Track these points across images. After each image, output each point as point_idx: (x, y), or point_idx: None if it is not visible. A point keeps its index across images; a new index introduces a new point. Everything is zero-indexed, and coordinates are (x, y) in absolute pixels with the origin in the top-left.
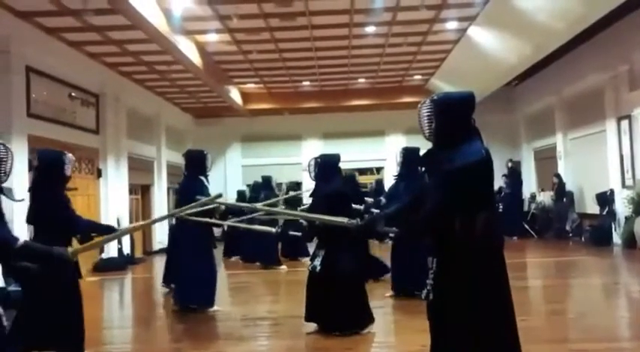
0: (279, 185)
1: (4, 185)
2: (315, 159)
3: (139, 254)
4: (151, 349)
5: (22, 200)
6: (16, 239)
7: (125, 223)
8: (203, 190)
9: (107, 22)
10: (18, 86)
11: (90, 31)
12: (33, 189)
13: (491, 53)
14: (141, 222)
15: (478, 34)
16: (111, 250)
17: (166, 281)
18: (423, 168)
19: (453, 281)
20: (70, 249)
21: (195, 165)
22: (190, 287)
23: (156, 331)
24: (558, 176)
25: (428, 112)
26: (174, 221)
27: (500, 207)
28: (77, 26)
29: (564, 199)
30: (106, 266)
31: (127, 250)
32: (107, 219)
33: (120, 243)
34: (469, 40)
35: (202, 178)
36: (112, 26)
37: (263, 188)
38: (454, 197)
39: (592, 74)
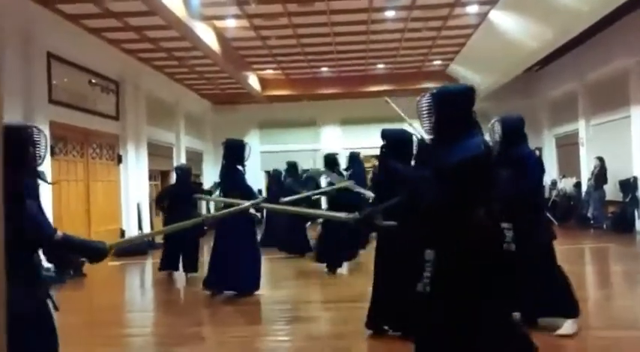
0: (306, 171)
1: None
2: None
3: (159, 239)
4: (172, 332)
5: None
6: (55, 230)
7: (145, 209)
8: (241, 180)
9: (126, 8)
10: (39, 72)
11: (109, 17)
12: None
13: (512, 38)
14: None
15: (499, 18)
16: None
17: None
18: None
19: (452, 275)
20: (107, 243)
21: (234, 155)
22: (241, 273)
23: (178, 315)
24: (601, 160)
25: (427, 106)
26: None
27: None
28: (96, 12)
29: (604, 185)
30: (127, 251)
31: None
32: (127, 204)
33: (140, 228)
34: (490, 25)
35: (240, 168)
36: (131, 12)
37: (288, 175)
38: (453, 191)
39: (617, 59)
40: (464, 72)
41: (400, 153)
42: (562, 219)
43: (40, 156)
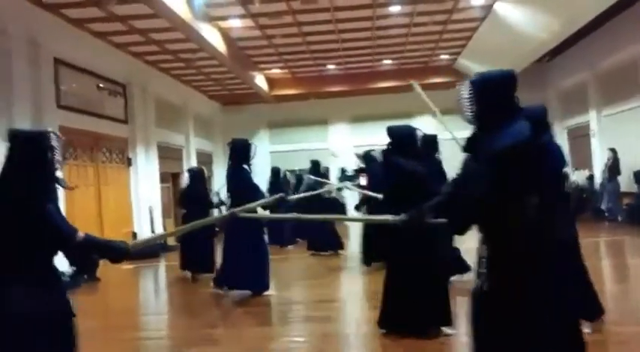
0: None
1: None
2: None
3: (171, 241)
4: (186, 335)
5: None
6: (76, 231)
7: (157, 211)
8: (248, 179)
9: (130, 12)
10: (47, 78)
11: (114, 20)
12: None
13: (519, 29)
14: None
15: (505, 9)
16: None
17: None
18: (468, 153)
19: (507, 272)
20: (130, 243)
21: (240, 155)
22: (247, 272)
23: (192, 317)
24: (613, 151)
25: (468, 94)
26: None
27: None
28: (101, 16)
29: (618, 177)
30: (140, 254)
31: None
32: (139, 207)
33: (153, 230)
34: (496, 17)
35: (246, 167)
36: (136, 15)
37: (311, 173)
38: (498, 181)
39: (627, 47)
40: (472, 66)
41: (405, 149)
42: (575, 212)
43: (58, 161)
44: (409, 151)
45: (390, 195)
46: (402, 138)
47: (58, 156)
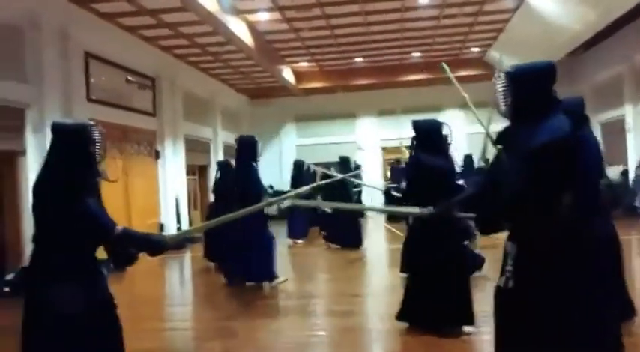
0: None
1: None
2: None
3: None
4: (207, 326)
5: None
6: (114, 224)
7: (183, 203)
8: (255, 176)
9: (159, 5)
10: (77, 71)
11: (143, 14)
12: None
13: (552, 21)
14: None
15: (538, 0)
16: (170, 230)
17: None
18: (501, 147)
19: (536, 269)
20: (167, 236)
21: (247, 151)
22: (250, 264)
23: (213, 308)
24: None
25: (503, 87)
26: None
27: None
28: (130, 10)
29: None
30: (175, 247)
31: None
32: (166, 199)
33: (179, 222)
34: (529, 8)
35: (253, 164)
36: (164, 9)
37: (339, 169)
38: (535, 178)
39: None
40: (503, 59)
41: (430, 143)
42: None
43: (99, 155)
44: (435, 146)
45: (411, 190)
46: (428, 132)
47: (99, 150)
